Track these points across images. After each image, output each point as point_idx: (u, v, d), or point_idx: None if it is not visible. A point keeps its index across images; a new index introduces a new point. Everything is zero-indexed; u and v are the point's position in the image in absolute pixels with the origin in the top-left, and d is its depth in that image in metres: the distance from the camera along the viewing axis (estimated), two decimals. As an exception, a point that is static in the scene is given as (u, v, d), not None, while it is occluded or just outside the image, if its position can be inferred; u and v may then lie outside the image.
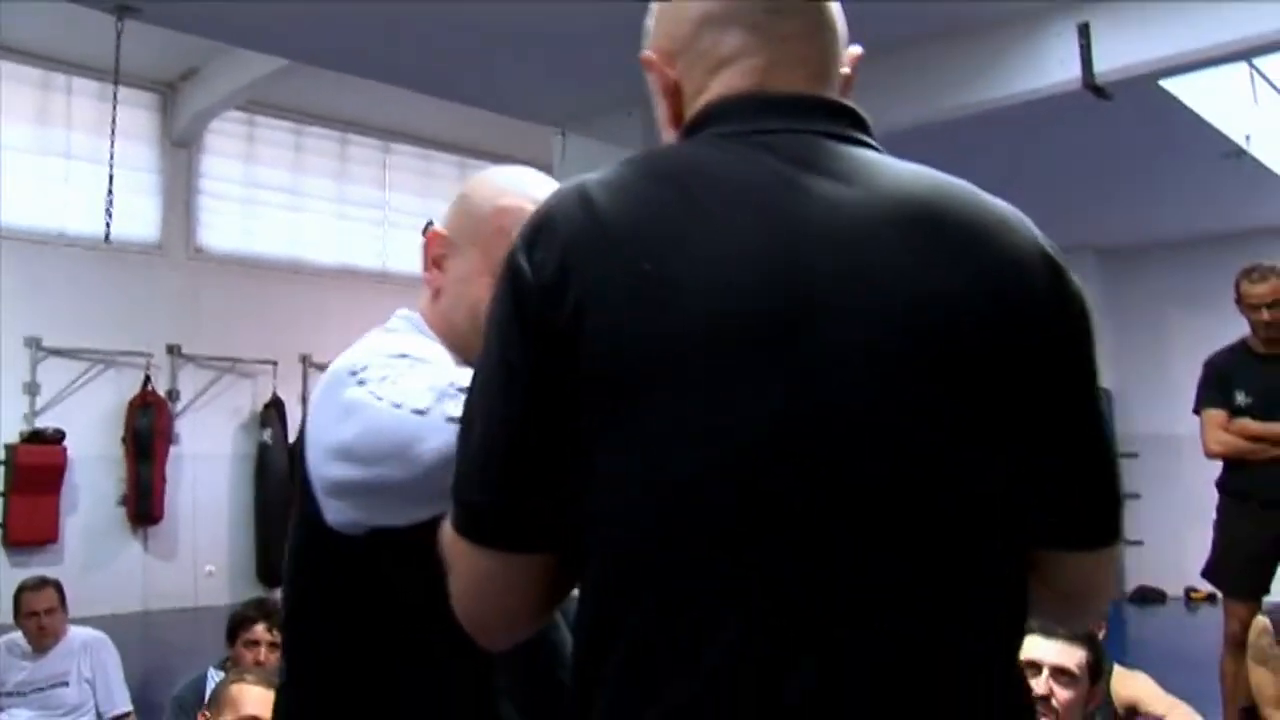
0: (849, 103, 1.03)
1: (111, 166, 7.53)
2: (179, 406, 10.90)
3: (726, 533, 0.85)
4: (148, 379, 10.58)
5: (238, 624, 3.97)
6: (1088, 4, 5.59)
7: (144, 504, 10.42)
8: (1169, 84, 6.25)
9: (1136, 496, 10.87)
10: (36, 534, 9.83)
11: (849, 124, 1.00)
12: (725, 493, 0.85)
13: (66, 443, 9.97)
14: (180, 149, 11.12)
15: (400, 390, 1.13)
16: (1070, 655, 2.42)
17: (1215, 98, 7.05)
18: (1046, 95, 5.83)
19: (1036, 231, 0.97)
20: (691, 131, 1.02)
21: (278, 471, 11.17)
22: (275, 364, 11.33)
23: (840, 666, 0.84)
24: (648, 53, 1.08)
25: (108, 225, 7.42)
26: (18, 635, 4.70)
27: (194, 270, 11.10)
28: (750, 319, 0.86)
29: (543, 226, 0.92)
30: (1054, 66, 5.69)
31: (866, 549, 0.85)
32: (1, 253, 9.73)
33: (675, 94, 1.06)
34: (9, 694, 4.56)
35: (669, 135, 1.07)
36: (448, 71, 6.28)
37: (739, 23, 1.02)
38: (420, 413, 1.09)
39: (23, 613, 4.65)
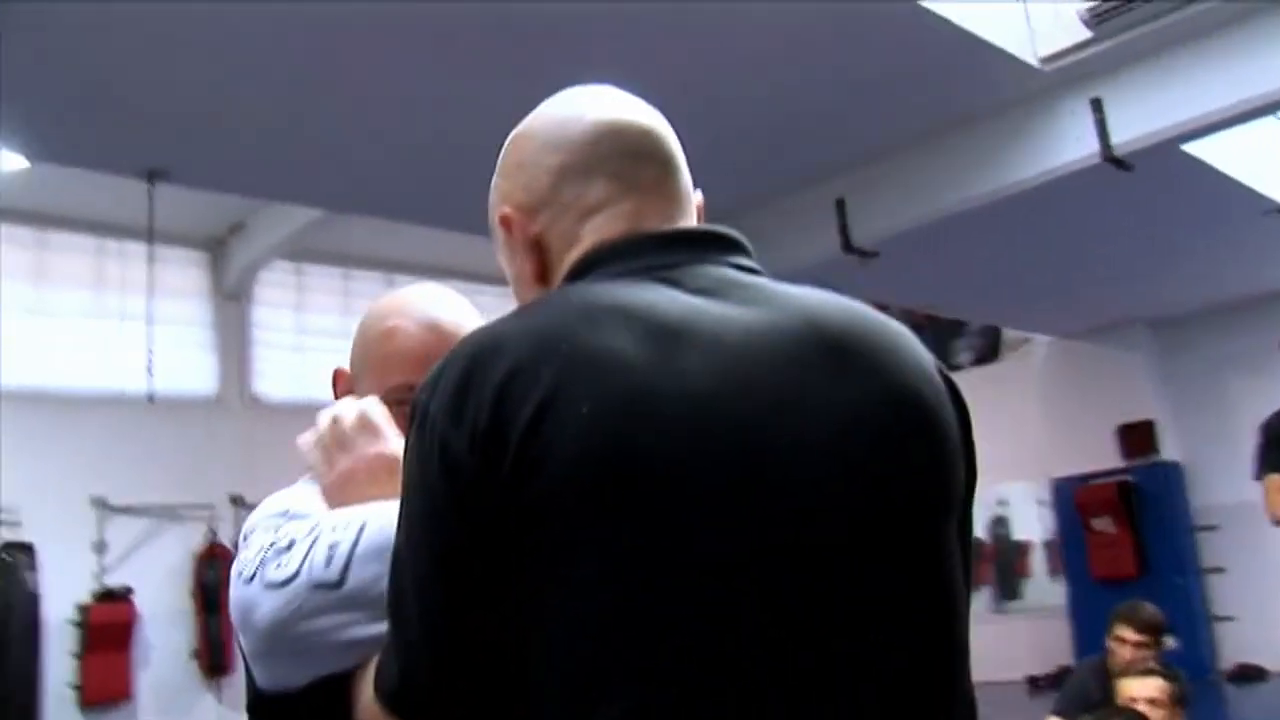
0: (733, 232, 1.04)
1: (151, 324, 7.85)
2: (245, 555, 10.96)
3: (718, 618, 0.85)
4: (213, 532, 10.71)
5: None
6: (1097, 78, 5.62)
7: (216, 656, 10.47)
8: (1194, 148, 6.21)
9: (1221, 570, 10.51)
10: (110, 692, 9.90)
11: (737, 252, 1.02)
12: (704, 591, 0.85)
13: (136, 599, 10.11)
14: (231, 302, 11.45)
15: (244, 557, 1.12)
16: None
17: (1245, 157, 6.99)
18: (1065, 173, 5.83)
19: (923, 347, 1.01)
20: (575, 279, 1.00)
21: (346, 613, 11.19)
22: (337, 506, 11.41)
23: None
24: (505, 211, 1.07)
25: (150, 383, 7.64)
26: None
27: (251, 419, 11.30)
28: (698, 439, 0.86)
29: (469, 376, 0.88)
30: (1070, 144, 5.71)
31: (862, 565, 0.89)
32: (65, 416, 10.05)
33: (538, 248, 1.05)
34: None
35: (530, 292, 1.06)
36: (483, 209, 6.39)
37: (601, 172, 1.03)
38: (248, 580, 1.07)
39: None
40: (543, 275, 1.05)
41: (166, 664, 10.35)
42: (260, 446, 11.09)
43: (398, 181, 6.07)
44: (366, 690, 0.94)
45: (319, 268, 12.04)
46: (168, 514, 10.53)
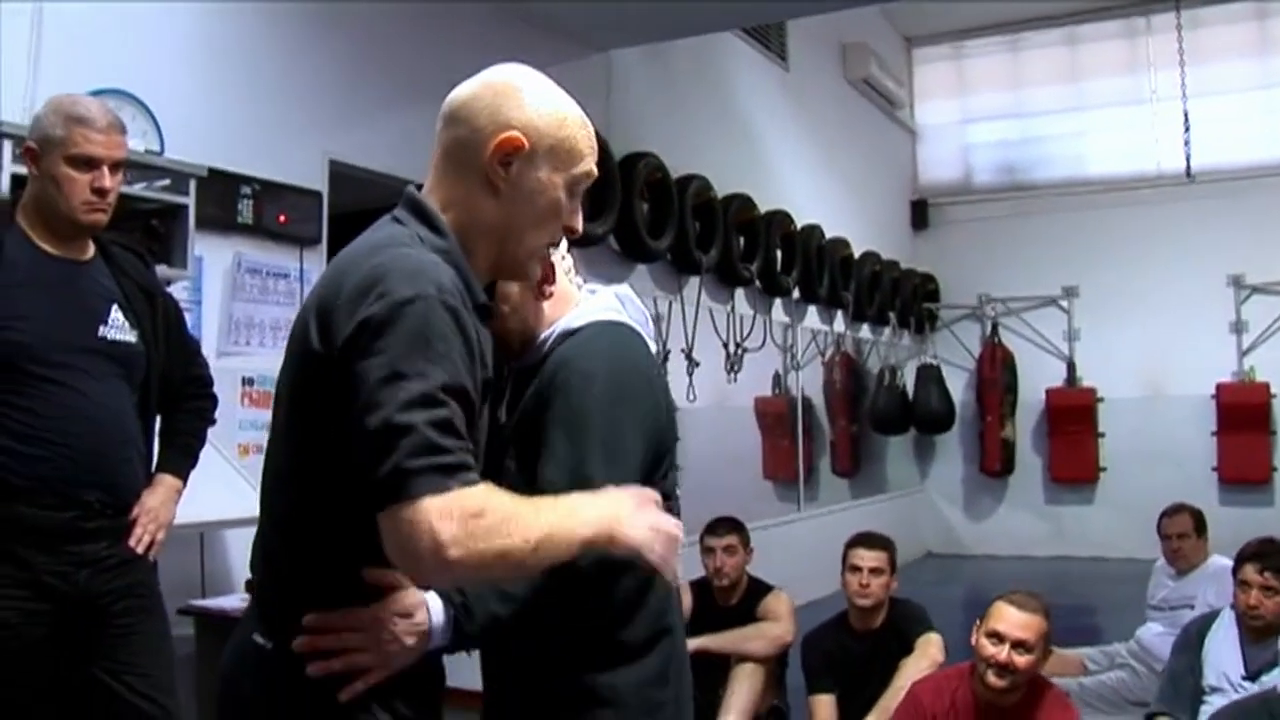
0: (412, 192, 1.51)
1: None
2: None
3: None
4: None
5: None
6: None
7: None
8: None
9: None
10: (1248, 474, 9.95)
11: (406, 207, 1.50)
12: None
13: (1270, 381, 9.85)
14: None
15: None
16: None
17: None
18: None
19: (357, 279, 1.36)
20: None
21: None
22: None
23: None
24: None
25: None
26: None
27: None
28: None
29: None
30: None
31: None
32: (1201, 195, 9.91)
33: None
34: (1153, 607, 5.11)
35: None
36: None
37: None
38: None
39: (1163, 535, 5.02)
40: None
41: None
42: None
43: None
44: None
45: None
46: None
